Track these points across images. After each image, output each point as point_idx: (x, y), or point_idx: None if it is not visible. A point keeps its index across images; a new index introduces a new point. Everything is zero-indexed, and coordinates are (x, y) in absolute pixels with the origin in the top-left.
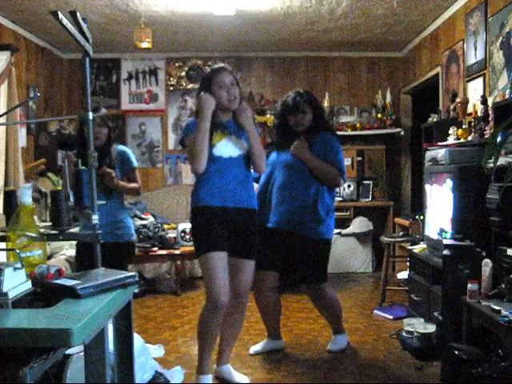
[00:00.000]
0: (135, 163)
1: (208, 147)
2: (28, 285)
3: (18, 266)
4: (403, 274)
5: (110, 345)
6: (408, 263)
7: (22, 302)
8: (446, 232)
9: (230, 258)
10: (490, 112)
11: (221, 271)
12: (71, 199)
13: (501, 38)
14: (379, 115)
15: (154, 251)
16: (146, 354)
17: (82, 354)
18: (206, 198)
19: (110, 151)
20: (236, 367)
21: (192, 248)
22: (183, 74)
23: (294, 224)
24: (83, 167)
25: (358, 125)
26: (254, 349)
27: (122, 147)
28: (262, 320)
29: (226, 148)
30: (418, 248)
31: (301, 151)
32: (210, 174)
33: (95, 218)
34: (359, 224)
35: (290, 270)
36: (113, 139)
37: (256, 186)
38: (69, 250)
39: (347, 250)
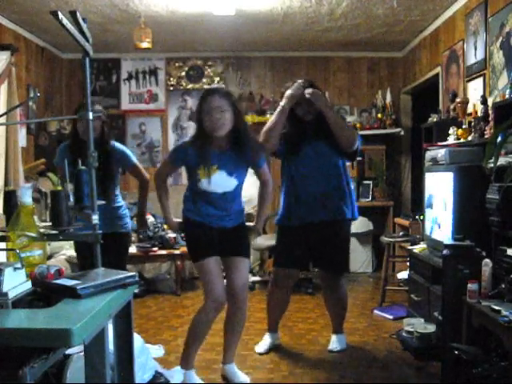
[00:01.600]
0: (135, 161)
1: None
2: (28, 285)
3: (18, 266)
4: (403, 274)
5: (110, 345)
6: (408, 263)
7: (21, 302)
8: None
9: (223, 258)
10: (490, 112)
11: (215, 275)
12: (71, 199)
13: (501, 38)
14: (379, 115)
15: (154, 251)
16: (146, 354)
17: (82, 353)
18: (194, 212)
19: (106, 145)
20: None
21: (193, 261)
22: (183, 74)
23: (326, 212)
24: (83, 167)
25: (357, 125)
26: (261, 348)
27: (119, 146)
28: (267, 313)
29: (212, 185)
30: (417, 248)
31: (319, 97)
32: (196, 196)
33: (95, 218)
34: (359, 224)
35: (320, 260)
36: (107, 132)
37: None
38: (69, 249)
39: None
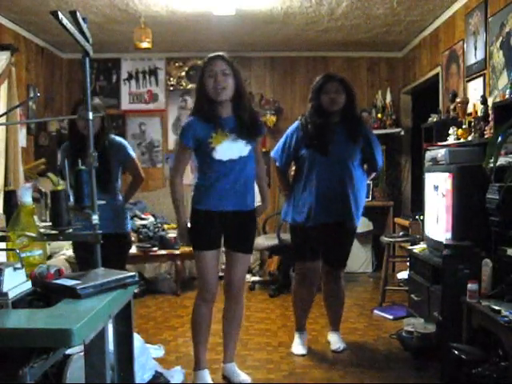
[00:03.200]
0: (133, 154)
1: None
2: (28, 285)
3: (18, 266)
4: (403, 274)
5: (110, 345)
6: (408, 263)
7: (21, 302)
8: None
9: (227, 251)
10: (490, 112)
11: (210, 268)
12: (71, 199)
13: (501, 38)
14: (379, 115)
15: (154, 251)
16: (146, 354)
17: (82, 354)
18: (204, 202)
19: (106, 138)
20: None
21: (192, 248)
22: (183, 74)
23: (344, 214)
24: (83, 167)
25: None
26: (299, 350)
27: (118, 139)
28: (294, 314)
29: (226, 151)
30: (418, 248)
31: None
32: (209, 179)
33: (95, 218)
34: (359, 224)
35: (329, 255)
36: (107, 128)
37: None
38: (69, 249)
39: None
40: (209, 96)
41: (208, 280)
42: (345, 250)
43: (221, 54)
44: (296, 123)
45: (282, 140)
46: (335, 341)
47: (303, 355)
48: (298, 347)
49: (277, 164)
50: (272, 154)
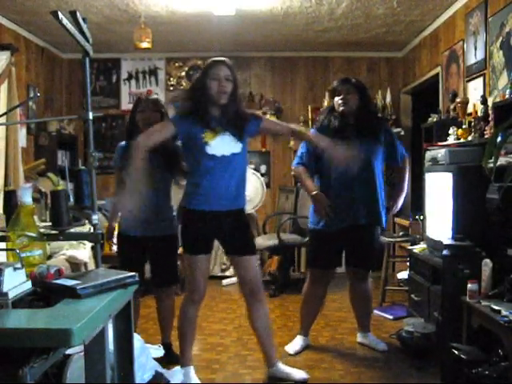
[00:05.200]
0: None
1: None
2: (28, 285)
3: (18, 266)
4: (403, 274)
5: (110, 345)
6: (408, 263)
7: (21, 302)
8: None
9: (230, 256)
10: (490, 112)
11: (203, 270)
12: (71, 199)
13: (501, 38)
14: (379, 115)
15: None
16: (146, 354)
17: (82, 353)
18: (197, 201)
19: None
20: (236, 367)
21: (183, 250)
22: (183, 74)
23: (365, 217)
24: (83, 167)
25: None
26: (291, 349)
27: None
28: (301, 316)
29: (219, 146)
30: (418, 248)
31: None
32: (201, 176)
33: (95, 218)
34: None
35: (354, 259)
36: None
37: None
38: (69, 250)
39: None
40: (210, 97)
41: (200, 283)
42: (373, 251)
43: (224, 59)
44: (312, 131)
45: (300, 150)
46: (375, 341)
47: (296, 354)
48: (292, 347)
49: (300, 166)
50: (293, 164)
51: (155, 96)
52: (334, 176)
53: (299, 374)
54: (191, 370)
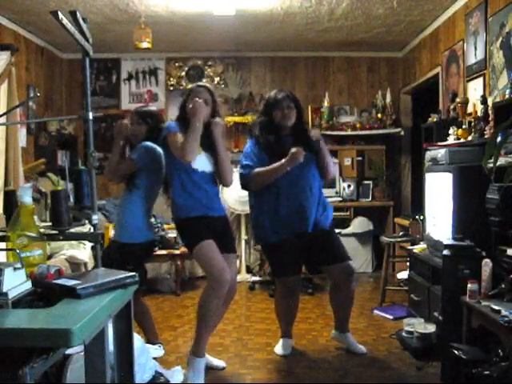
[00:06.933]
0: None
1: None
2: (28, 285)
3: (18, 266)
4: (403, 274)
5: (110, 345)
6: (408, 263)
7: (21, 302)
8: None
9: (223, 255)
10: (490, 112)
11: (217, 253)
12: (71, 199)
13: (501, 38)
14: (379, 115)
15: (154, 251)
16: (146, 354)
17: (82, 353)
18: (193, 209)
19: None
20: (236, 367)
21: (192, 247)
22: (183, 74)
23: (316, 222)
24: (83, 167)
25: (358, 125)
26: (280, 351)
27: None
28: (279, 322)
29: (202, 163)
30: (417, 248)
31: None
32: (188, 187)
33: (95, 218)
34: (359, 224)
35: (323, 259)
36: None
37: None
38: (69, 250)
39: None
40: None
41: (222, 262)
42: (336, 243)
43: (206, 84)
44: (250, 142)
45: (243, 157)
46: (355, 343)
47: (285, 356)
48: (280, 348)
49: (252, 170)
50: (244, 174)
51: (147, 108)
52: (280, 186)
53: (219, 362)
54: (204, 362)
